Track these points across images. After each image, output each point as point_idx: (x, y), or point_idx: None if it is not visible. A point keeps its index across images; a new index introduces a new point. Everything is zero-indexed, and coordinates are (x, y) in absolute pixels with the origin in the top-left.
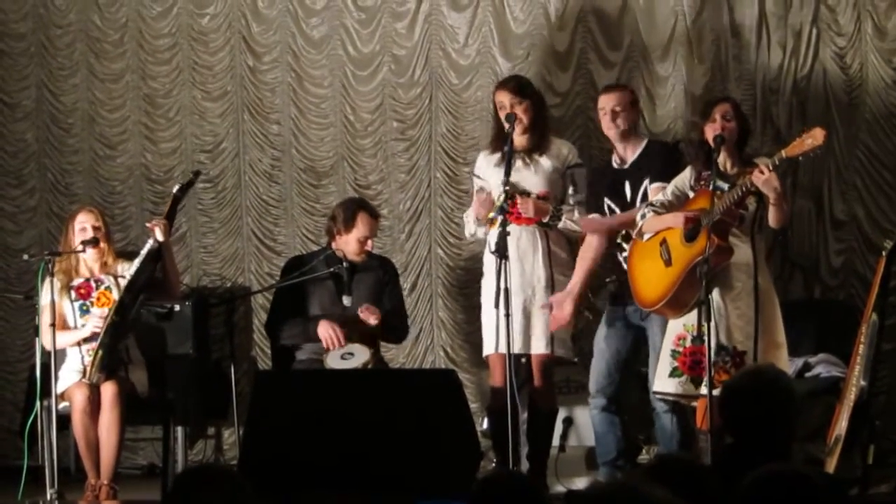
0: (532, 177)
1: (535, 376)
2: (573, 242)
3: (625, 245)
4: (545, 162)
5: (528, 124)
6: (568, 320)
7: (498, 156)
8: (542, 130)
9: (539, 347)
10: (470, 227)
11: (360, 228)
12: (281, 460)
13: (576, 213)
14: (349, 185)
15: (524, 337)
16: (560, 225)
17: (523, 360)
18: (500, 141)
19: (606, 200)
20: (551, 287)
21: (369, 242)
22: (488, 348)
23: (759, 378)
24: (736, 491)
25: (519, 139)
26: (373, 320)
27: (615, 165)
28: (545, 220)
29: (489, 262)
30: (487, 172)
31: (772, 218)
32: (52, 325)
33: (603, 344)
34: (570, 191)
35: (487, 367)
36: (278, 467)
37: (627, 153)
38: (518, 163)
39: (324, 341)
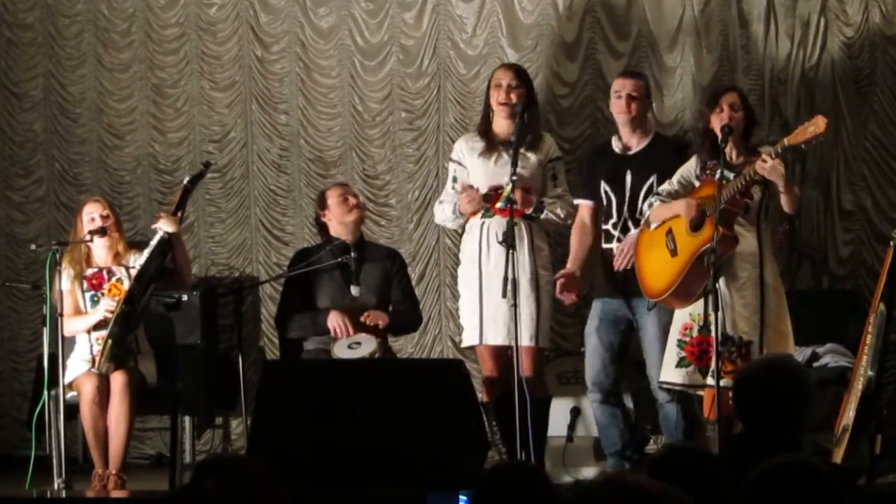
0: (519, 171)
1: (524, 366)
2: (552, 237)
3: (613, 232)
4: (531, 157)
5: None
6: (575, 300)
7: (482, 144)
8: (536, 128)
9: (524, 339)
10: (446, 214)
11: (333, 193)
12: (288, 450)
13: (558, 206)
14: (357, 175)
15: (510, 329)
16: (543, 216)
17: (509, 352)
18: (487, 127)
19: (603, 185)
20: (535, 280)
21: (350, 199)
22: (471, 339)
23: (773, 368)
24: (744, 481)
25: (504, 128)
26: (381, 323)
27: (617, 150)
28: (528, 211)
29: (469, 251)
30: (469, 160)
31: (785, 204)
32: (60, 314)
33: (595, 337)
34: (551, 184)
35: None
36: (285, 457)
37: (633, 142)
38: (504, 156)
39: (332, 331)
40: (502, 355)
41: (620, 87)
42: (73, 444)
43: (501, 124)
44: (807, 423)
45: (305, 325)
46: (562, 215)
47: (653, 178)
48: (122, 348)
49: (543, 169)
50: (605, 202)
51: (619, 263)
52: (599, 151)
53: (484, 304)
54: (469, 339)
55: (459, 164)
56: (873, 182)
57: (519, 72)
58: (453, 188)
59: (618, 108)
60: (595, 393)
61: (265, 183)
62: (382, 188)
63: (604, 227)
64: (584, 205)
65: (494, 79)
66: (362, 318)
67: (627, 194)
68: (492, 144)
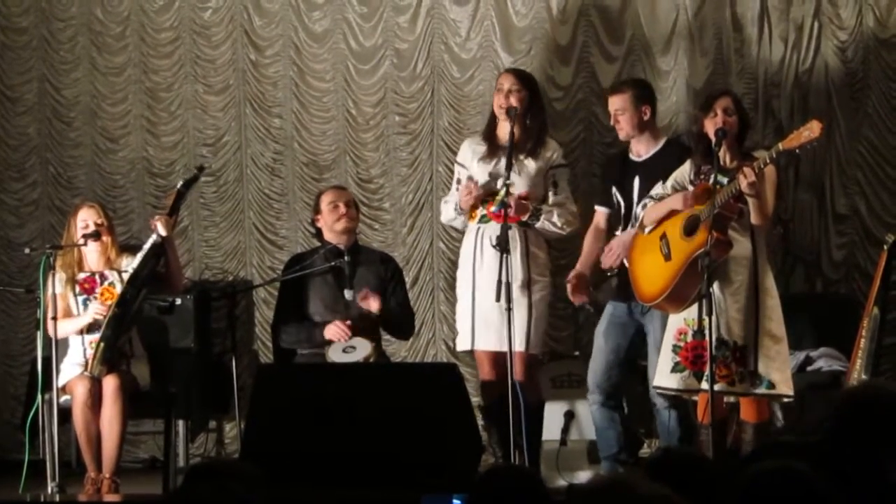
0: (515, 178)
1: (517, 371)
2: (551, 243)
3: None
4: (530, 164)
5: (518, 116)
6: (585, 300)
7: (484, 148)
8: (538, 134)
9: (516, 345)
10: (449, 213)
11: (325, 199)
12: (282, 454)
13: (555, 215)
14: (351, 178)
15: (501, 334)
16: (538, 224)
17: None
18: (491, 132)
19: (614, 190)
20: (528, 287)
21: (340, 207)
22: (464, 343)
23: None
24: (735, 484)
25: (507, 132)
26: (374, 306)
27: (631, 156)
28: (524, 218)
29: (464, 255)
30: (472, 164)
31: (753, 216)
32: (54, 318)
33: (602, 339)
34: (551, 192)
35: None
36: (279, 461)
37: (642, 149)
38: (503, 161)
39: (332, 338)
40: (500, 360)
41: (609, 107)
42: (66, 448)
43: (505, 129)
44: (798, 427)
45: (301, 338)
46: (558, 224)
47: (658, 186)
48: (114, 351)
49: (544, 176)
50: (615, 208)
51: (605, 262)
52: (616, 157)
53: (476, 309)
54: (462, 343)
55: (463, 166)
56: (867, 186)
57: (520, 76)
58: (457, 189)
59: (616, 128)
60: (595, 395)
61: (259, 187)
62: (376, 192)
63: (616, 232)
64: (601, 211)
65: (497, 83)
66: (359, 298)
67: (635, 200)
68: (494, 149)
